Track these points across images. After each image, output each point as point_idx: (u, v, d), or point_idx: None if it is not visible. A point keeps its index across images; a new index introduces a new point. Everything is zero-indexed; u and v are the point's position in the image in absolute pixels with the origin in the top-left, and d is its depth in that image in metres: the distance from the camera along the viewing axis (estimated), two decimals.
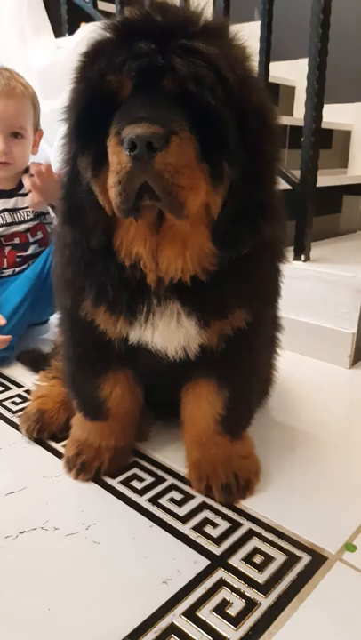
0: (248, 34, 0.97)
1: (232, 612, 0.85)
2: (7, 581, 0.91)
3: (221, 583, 0.90)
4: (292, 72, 3.17)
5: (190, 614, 0.84)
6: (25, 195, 1.85)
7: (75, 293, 1.08)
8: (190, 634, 0.81)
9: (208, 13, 0.91)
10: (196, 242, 0.92)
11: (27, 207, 1.86)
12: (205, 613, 0.85)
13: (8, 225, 1.84)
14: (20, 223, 1.85)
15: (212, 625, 0.82)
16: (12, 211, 1.84)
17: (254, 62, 0.95)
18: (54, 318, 1.98)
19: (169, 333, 1.02)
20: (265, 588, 0.89)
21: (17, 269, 1.89)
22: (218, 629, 0.82)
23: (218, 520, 1.05)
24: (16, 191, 1.85)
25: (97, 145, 0.88)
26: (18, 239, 1.86)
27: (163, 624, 0.82)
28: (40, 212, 1.89)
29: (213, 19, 0.91)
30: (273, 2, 1.95)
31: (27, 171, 1.88)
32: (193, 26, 0.85)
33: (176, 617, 0.84)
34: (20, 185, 1.86)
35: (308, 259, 1.83)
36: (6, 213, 1.83)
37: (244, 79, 0.86)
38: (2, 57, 2.38)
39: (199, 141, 0.83)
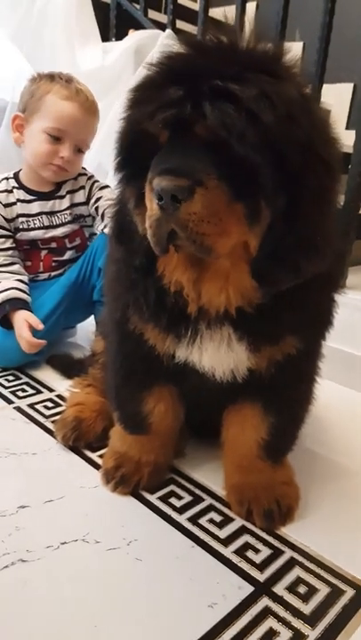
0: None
1: None
2: (53, 593, 0.91)
3: (267, 611, 0.90)
4: (328, 95, 3.19)
5: None
6: (63, 197, 1.85)
7: (124, 307, 1.09)
8: None
9: (259, 37, 0.88)
10: (237, 277, 0.92)
11: (64, 210, 1.85)
12: None
13: (45, 228, 1.83)
14: (57, 226, 1.84)
15: None
16: (50, 214, 1.84)
17: (309, 90, 0.92)
18: (85, 323, 1.99)
19: (218, 356, 1.02)
20: (311, 620, 0.89)
21: (53, 274, 1.88)
22: None
23: (259, 546, 1.05)
24: (54, 193, 1.85)
25: (139, 180, 0.89)
26: (55, 244, 1.85)
27: None
28: (80, 214, 1.88)
29: (261, 47, 0.88)
30: (331, 27, 1.96)
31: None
32: (231, 62, 0.82)
33: None
34: (58, 187, 1.85)
35: (344, 285, 1.83)
36: (44, 216, 1.83)
37: (288, 115, 0.81)
38: (52, 61, 2.40)
39: (233, 184, 0.82)
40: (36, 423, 1.43)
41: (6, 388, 1.61)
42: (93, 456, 1.30)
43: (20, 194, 1.82)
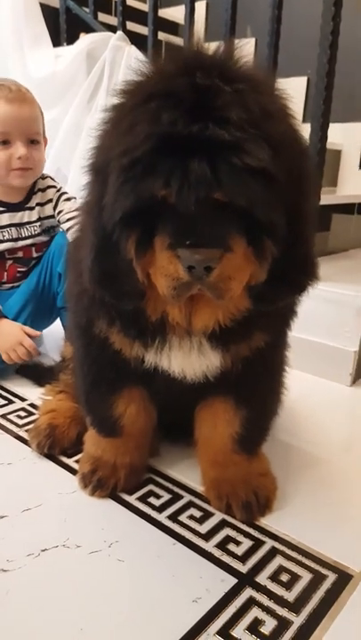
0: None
1: (266, 630, 0.86)
2: (36, 600, 0.90)
3: (251, 602, 0.91)
4: None
5: (224, 634, 0.85)
6: (32, 208, 1.81)
7: (91, 316, 1.07)
8: None
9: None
10: (231, 302, 0.92)
11: (34, 222, 1.81)
12: (239, 632, 0.85)
13: (14, 240, 1.79)
14: (26, 238, 1.81)
15: None
16: (19, 225, 1.79)
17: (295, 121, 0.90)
18: (52, 332, 1.96)
19: (189, 362, 1.03)
20: (295, 607, 0.90)
21: (15, 284, 1.84)
22: None
23: (240, 538, 1.06)
24: (23, 204, 1.79)
25: (138, 230, 0.86)
26: (21, 253, 1.81)
27: None
28: (50, 226, 1.85)
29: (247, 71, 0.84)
30: (281, 20, 1.98)
31: (34, 187, 1.83)
32: (248, 127, 0.77)
33: (210, 636, 0.84)
34: (28, 198, 1.81)
35: None
36: (12, 228, 1.78)
37: (294, 160, 0.84)
38: (1, 67, 2.37)
39: (248, 237, 0.83)
40: (9, 433, 1.41)
41: None
42: (70, 462, 1.29)
43: None
